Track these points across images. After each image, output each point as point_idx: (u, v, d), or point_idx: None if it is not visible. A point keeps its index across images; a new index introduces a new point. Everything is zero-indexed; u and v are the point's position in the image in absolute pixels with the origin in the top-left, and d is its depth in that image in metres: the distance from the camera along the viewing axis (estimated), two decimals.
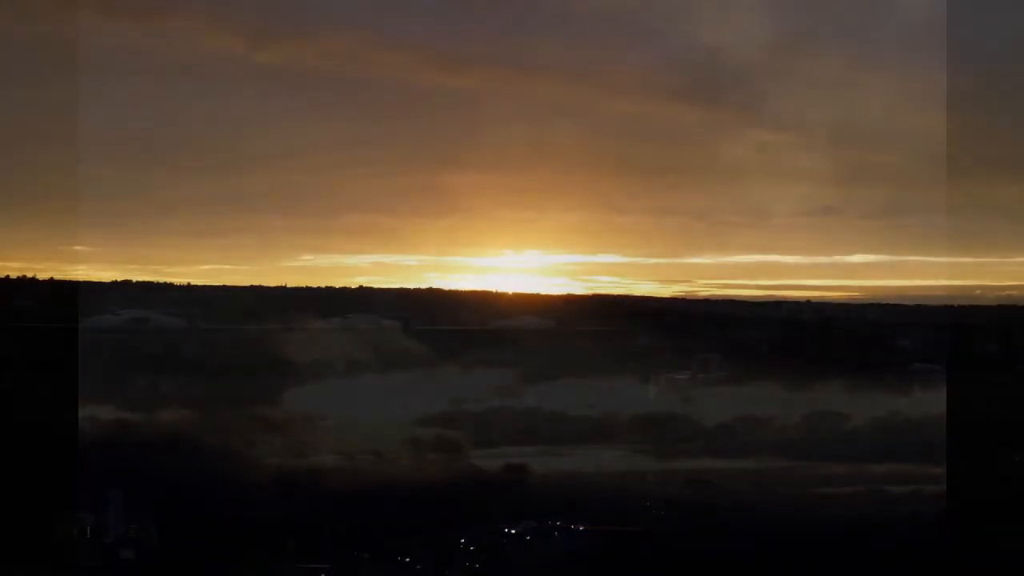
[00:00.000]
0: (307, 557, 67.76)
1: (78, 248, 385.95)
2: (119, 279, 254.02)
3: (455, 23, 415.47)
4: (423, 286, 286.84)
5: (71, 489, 74.11)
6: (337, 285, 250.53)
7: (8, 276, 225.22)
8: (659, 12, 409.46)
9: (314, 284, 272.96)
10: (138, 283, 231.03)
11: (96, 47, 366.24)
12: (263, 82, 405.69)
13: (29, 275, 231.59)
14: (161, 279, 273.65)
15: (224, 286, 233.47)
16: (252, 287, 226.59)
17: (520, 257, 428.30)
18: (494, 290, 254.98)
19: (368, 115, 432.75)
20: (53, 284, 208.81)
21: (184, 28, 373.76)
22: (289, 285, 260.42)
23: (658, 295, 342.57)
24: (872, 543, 68.45)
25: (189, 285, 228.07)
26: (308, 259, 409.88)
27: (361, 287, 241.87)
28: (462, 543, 76.28)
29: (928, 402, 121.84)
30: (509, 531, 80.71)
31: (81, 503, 73.11)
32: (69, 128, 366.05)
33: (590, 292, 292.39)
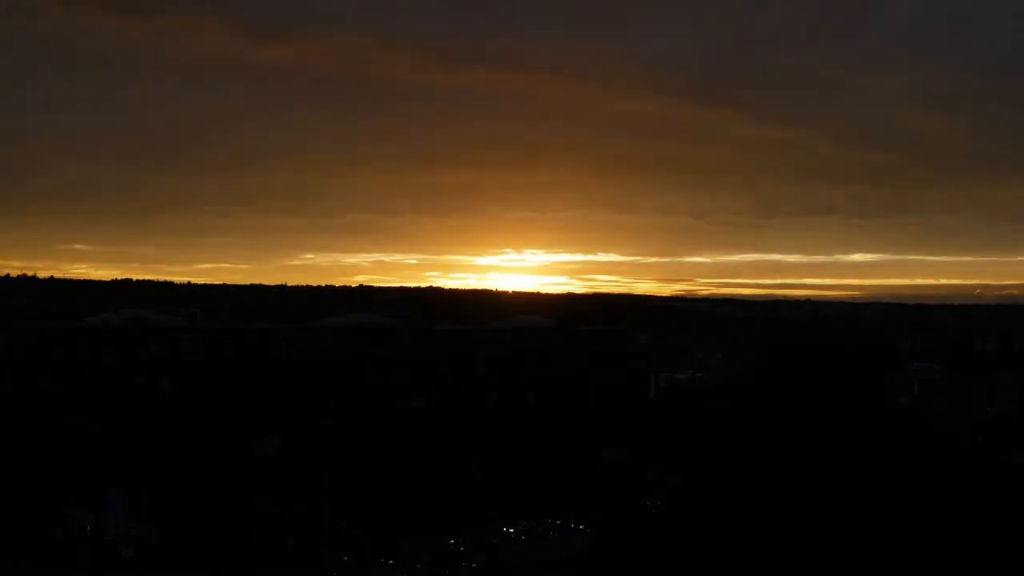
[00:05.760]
0: None
1: (78, 248, 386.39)
2: (119, 278, 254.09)
3: (456, 23, 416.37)
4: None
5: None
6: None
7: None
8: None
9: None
10: None
11: (95, 46, 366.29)
12: (264, 81, 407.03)
13: (29, 274, 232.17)
14: (161, 278, 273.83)
15: None
16: None
17: (520, 257, 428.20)
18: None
19: (369, 115, 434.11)
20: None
21: (185, 27, 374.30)
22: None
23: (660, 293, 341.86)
24: None
25: None
26: (309, 258, 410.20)
27: None
28: (462, 543, 76.11)
29: None
30: (508, 531, 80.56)
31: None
32: (69, 128, 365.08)
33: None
